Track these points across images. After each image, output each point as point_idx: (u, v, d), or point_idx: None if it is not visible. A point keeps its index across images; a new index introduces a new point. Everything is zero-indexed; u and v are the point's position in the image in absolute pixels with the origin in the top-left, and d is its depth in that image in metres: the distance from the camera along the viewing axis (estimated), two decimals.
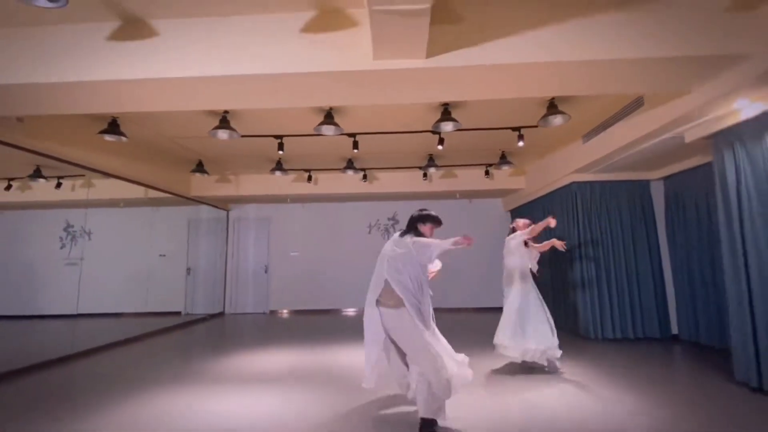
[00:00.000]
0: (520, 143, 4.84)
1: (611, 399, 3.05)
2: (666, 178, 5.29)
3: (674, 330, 5.14)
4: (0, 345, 5.03)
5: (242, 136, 4.92)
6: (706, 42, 2.56)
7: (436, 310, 2.88)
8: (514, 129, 4.84)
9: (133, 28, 2.68)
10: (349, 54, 2.53)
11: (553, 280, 6.14)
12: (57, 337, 5.85)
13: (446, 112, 4.09)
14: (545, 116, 4.00)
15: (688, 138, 3.66)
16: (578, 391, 3.23)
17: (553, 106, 3.97)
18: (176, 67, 2.65)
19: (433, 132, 4.90)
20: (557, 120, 4.00)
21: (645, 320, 5.13)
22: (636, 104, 3.71)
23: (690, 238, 4.86)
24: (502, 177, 7.09)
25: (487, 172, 6.71)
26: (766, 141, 3.06)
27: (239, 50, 2.64)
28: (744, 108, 3.06)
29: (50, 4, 2.10)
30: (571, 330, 5.62)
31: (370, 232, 8.66)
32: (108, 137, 4.31)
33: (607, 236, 5.32)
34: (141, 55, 2.67)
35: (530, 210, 7.15)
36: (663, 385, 3.36)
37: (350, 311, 8.29)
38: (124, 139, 4.34)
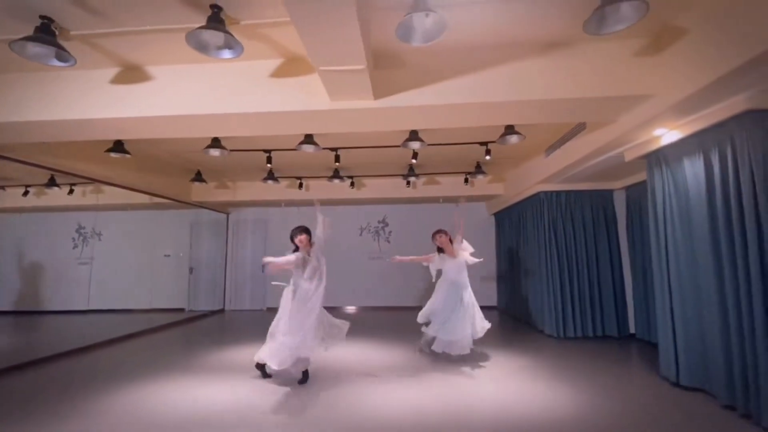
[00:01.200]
0: (487, 157, 5.28)
1: (539, 391, 3.49)
2: (627, 188, 5.68)
3: (632, 329, 5.55)
4: (17, 338, 5.65)
5: (233, 151, 5.44)
6: (619, 83, 2.99)
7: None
8: (481, 144, 5.27)
9: (131, 73, 3.18)
10: (311, 96, 3.01)
11: (521, 282, 6.57)
12: (71, 331, 6.45)
13: (413, 131, 4.54)
14: (503, 135, 4.44)
15: (628, 157, 4.08)
16: (506, 385, 3.69)
17: (510, 126, 4.40)
18: (168, 107, 3.15)
19: (403, 146, 5.36)
20: (513, 139, 4.44)
21: (605, 320, 5.56)
22: (579, 128, 4.13)
23: (647, 244, 5.25)
24: (482, 184, 7.51)
25: (466, 180, 7.13)
26: (684, 164, 3.47)
27: (221, 91, 3.13)
28: (664, 134, 3.48)
29: (62, 64, 2.59)
30: (537, 329, 6.06)
31: (361, 234, 9.14)
32: (114, 155, 4.84)
33: (571, 241, 5.73)
34: (137, 96, 3.17)
35: (509, 214, 7.58)
36: (596, 378, 3.79)
37: (350, 308, 8.80)
38: (127, 156, 4.86)
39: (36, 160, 4.69)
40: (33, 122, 3.26)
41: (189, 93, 3.14)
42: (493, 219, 8.92)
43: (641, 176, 5.28)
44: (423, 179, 7.45)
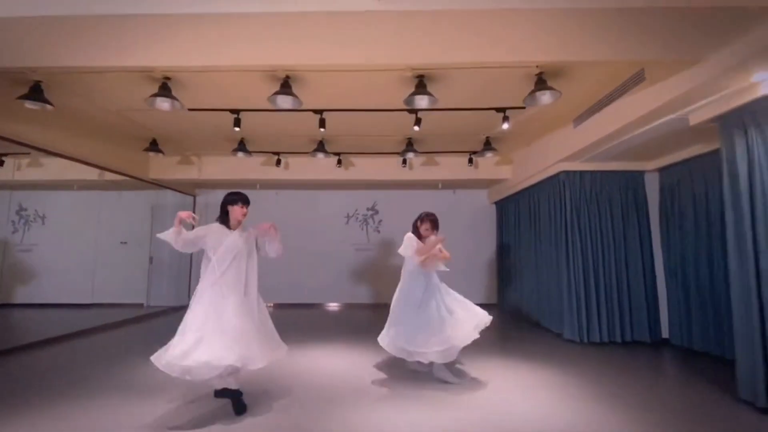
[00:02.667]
0: (505, 125, 4.35)
1: (596, 411, 2.63)
2: (662, 169, 4.86)
3: (664, 334, 4.75)
4: None
5: (190, 110, 4.36)
6: None
7: None
8: (498, 110, 4.35)
9: None
10: None
11: (530, 278, 5.71)
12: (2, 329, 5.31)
13: (421, 84, 3.56)
14: (532, 92, 3.51)
15: (693, 120, 3.21)
16: (560, 402, 2.80)
17: (541, 81, 3.48)
18: None
19: (409, 111, 4.39)
20: (545, 97, 3.51)
21: (634, 323, 4.74)
22: (636, 79, 3.23)
23: (686, 236, 4.46)
24: (487, 166, 6.61)
25: (470, 160, 6.22)
26: None
27: None
28: (765, 81, 2.60)
29: None
30: (552, 332, 5.21)
31: (348, 223, 8.15)
32: (30, 104, 3.69)
33: (596, 232, 4.89)
34: None
35: (517, 202, 6.71)
36: (655, 397, 2.94)
37: (332, 305, 7.82)
38: (49, 107, 3.73)
39: None
40: None
41: None
42: (494, 208, 8.05)
43: (680, 155, 4.49)
44: (421, 159, 6.50)
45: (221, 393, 2.86)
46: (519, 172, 6.25)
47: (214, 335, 2.55)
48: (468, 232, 7.87)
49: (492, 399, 2.96)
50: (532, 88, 3.57)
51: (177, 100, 3.64)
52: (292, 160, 6.64)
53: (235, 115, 4.42)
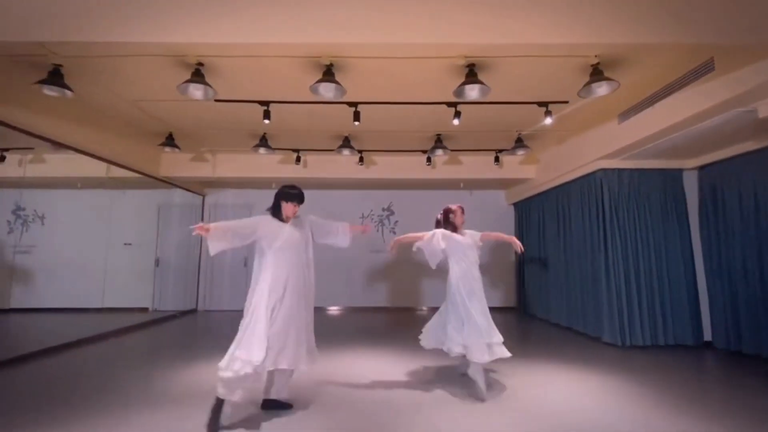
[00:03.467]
0: (548, 120, 4.17)
1: (662, 416, 2.45)
2: (702, 168, 4.74)
3: (707, 337, 4.60)
4: None
5: (220, 101, 4.11)
6: None
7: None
8: (540, 104, 4.18)
9: None
10: None
11: (571, 280, 5.54)
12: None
13: (471, 73, 3.37)
14: (588, 84, 3.34)
15: (763, 112, 3.07)
16: (623, 407, 2.61)
17: (598, 72, 3.31)
18: None
19: (449, 104, 4.21)
20: (602, 89, 3.34)
21: (676, 326, 4.58)
22: (704, 69, 3.08)
23: (730, 235, 4.33)
24: (511, 165, 6.45)
25: (497, 159, 6.05)
26: None
27: None
28: None
29: None
30: (587, 335, 5.04)
31: (362, 223, 7.90)
32: (48, 90, 3.41)
33: (634, 231, 4.73)
34: None
35: (541, 202, 6.55)
36: (719, 404, 2.77)
37: (344, 308, 7.56)
38: (68, 93, 3.44)
39: None
40: None
41: None
42: (512, 210, 7.89)
43: (723, 152, 4.37)
44: (444, 158, 6.31)
45: (270, 403, 2.63)
46: (546, 172, 6.09)
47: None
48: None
49: (548, 403, 2.79)
50: (586, 80, 3.42)
51: (210, 87, 3.38)
52: (311, 158, 6.40)
53: (265, 107, 4.18)
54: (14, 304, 5.66)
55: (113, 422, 2.46)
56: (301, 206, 2.81)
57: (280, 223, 2.68)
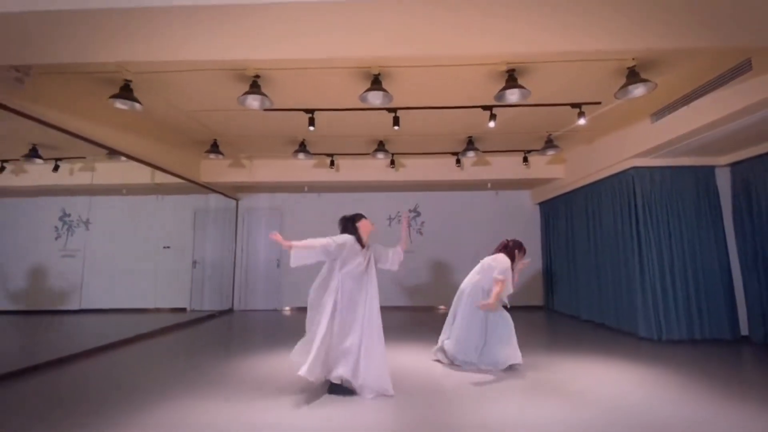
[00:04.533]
0: (581, 121, 4.32)
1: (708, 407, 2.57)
2: (733, 165, 4.81)
3: (743, 331, 4.66)
4: None
5: (268, 110, 4.37)
6: None
7: None
8: (573, 105, 4.33)
9: None
10: None
11: (603, 277, 5.63)
12: (43, 337, 5.26)
13: (512, 78, 3.56)
14: (625, 86, 3.49)
15: None
16: (672, 398, 2.73)
17: (634, 74, 3.46)
18: None
19: (484, 108, 4.39)
20: (638, 90, 3.48)
21: (712, 320, 4.65)
22: (741, 68, 3.20)
23: (764, 231, 4.39)
24: (539, 165, 6.58)
25: (525, 159, 6.19)
26: None
27: None
28: None
29: None
30: (621, 331, 5.13)
31: (390, 225, 8.12)
32: (120, 104, 3.71)
33: (667, 228, 4.83)
34: None
35: (568, 201, 6.66)
36: (759, 395, 2.86)
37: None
38: (138, 106, 3.75)
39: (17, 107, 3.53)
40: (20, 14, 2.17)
41: None
42: (537, 210, 8.00)
43: (756, 149, 4.45)
44: (472, 159, 6.48)
45: (336, 388, 2.84)
46: (574, 171, 6.21)
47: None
48: (511, 234, 7.74)
49: (596, 395, 2.90)
50: (620, 81, 3.58)
51: (267, 97, 3.64)
52: (343, 162, 6.64)
53: (310, 115, 4.43)
54: (58, 306, 6.01)
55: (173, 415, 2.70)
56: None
57: (359, 249, 2.91)
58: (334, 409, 2.64)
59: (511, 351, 3.49)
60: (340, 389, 2.86)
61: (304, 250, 2.75)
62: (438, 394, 2.96)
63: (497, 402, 2.77)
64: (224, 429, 2.34)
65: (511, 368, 3.50)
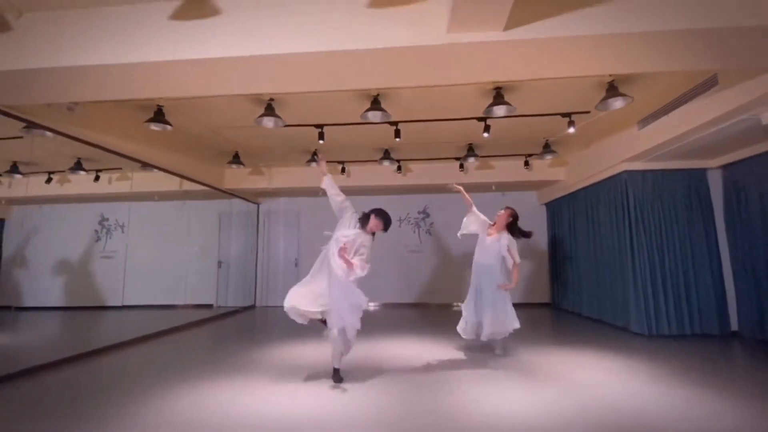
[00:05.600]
0: (571, 129, 4.62)
1: (687, 398, 2.86)
2: (725, 167, 5.00)
3: (733, 327, 4.86)
4: (43, 335, 5.13)
5: (284, 126, 4.86)
6: None
7: None
8: (563, 115, 4.63)
9: (195, 6, 2.61)
10: (420, 28, 2.40)
11: (601, 275, 5.90)
12: (94, 329, 5.94)
13: (499, 95, 3.92)
14: (604, 99, 3.79)
15: (766, 120, 3.41)
16: (653, 389, 3.05)
17: (613, 88, 3.76)
18: (237, 46, 2.57)
19: (479, 119, 4.75)
20: (617, 103, 3.79)
21: (702, 316, 4.87)
22: (708, 84, 3.46)
23: (754, 230, 4.58)
24: (541, 168, 6.86)
25: (526, 163, 6.49)
26: None
27: (303, 26, 2.54)
28: None
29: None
30: (616, 326, 5.39)
31: (400, 226, 8.53)
32: (154, 126, 4.28)
33: (660, 227, 5.06)
34: (202, 34, 2.59)
35: (571, 202, 6.91)
36: (747, 387, 3.12)
37: (386, 304, 8.20)
38: (169, 128, 4.31)
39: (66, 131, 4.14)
40: (62, 69, 2.70)
41: (264, 28, 2.56)
42: (544, 209, 8.25)
43: (745, 152, 4.63)
44: (476, 163, 6.81)
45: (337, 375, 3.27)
46: (575, 174, 6.47)
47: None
48: None
49: (581, 383, 3.20)
50: (602, 94, 3.88)
51: (280, 118, 4.13)
52: (354, 168, 7.09)
53: (320, 130, 4.90)
54: (98, 303, 6.68)
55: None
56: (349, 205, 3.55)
57: (359, 229, 3.41)
58: (351, 396, 3.09)
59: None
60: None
61: (330, 183, 3.65)
62: (438, 383, 3.29)
63: (492, 392, 3.06)
64: (239, 409, 2.83)
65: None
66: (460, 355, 4.17)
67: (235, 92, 3.21)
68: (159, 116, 4.25)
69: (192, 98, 4.11)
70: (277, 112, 4.21)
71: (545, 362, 3.82)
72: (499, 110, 3.95)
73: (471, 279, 4.23)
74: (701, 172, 5.14)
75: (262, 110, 4.12)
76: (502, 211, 4.20)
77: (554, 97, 4.24)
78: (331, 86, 3.09)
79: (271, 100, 4.10)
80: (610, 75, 3.68)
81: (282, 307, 3.25)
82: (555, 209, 7.71)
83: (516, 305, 4.10)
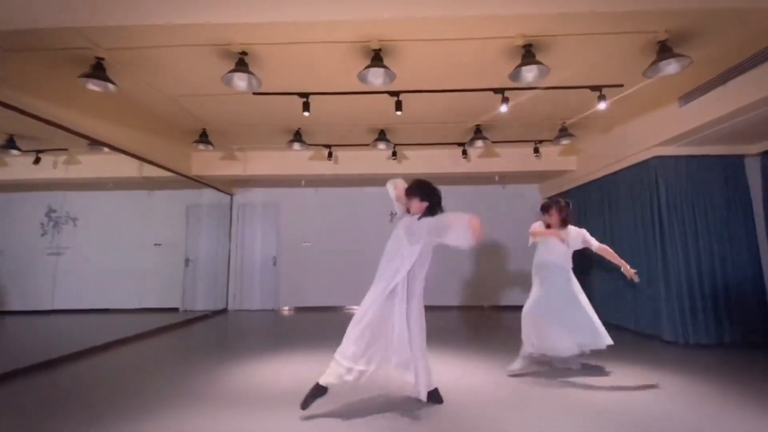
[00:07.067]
0: (602, 105, 3.93)
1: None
2: (765, 154, 4.43)
3: None
4: None
5: (258, 94, 3.99)
6: None
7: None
8: (593, 88, 3.94)
9: None
10: None
11: (620, 276, 5.24)
12: (32, 339, 4.92)
13: (529, 54, 3.17)
14: (655, 62, 3.10)
15: None
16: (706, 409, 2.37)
17: (666, 49, 3.07)
18: None
19: (496, 91, 4.01)
20: (671, 67, 3.11)
21: (742, 322, 4.28)
22: None
23: None
24: (551, 157, 6.19)
25: (536, 150, 5.81)
26: None
27: None
28: None
29: None
30: (643, 333, 4.76)
31: (391, 220, 7.74)
32: (92, 85, 3.33)
33: (693, 223, 4.45)
34: None
35: (581, 194, 6.27)
36: None
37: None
38: (111, 87, 3.36)
39: None
40: None
41: None
42: None
43: None
44: (479, 151, 6.10)
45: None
46: (589, 162, 5.82)
47: None
48: (519, 228, 7.41)
49: (619, 405, 2.58)
50: (647, 60, 3.21)
51: (255, 76, 3.26)
52: (342, 154, 6.26)
53: (305, 99, 4.05)
54: (45, 306, 5.67)
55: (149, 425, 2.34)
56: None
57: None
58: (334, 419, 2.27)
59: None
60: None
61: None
62: (458, 404, 2.60)
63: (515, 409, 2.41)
64: None
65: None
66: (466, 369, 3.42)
67: (194, 20, 2.34)
68: (98, 71, 3.30)
69: (138, 48, 3.20)
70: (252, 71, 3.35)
71: (571, 378, 3.16)
72: (530, 72, 3.20)
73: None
74: (739, 160, 4.56)
75: (231, 67, 3.23)
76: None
77: (587, 64, 3.54)
78: (324, 11, 2.26)
79: (244, 53, 3.23)
80: (666, 31, 3.01)
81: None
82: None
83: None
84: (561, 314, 3.22)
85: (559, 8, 2.59)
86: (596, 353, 3.33)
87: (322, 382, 2.37)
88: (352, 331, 2.43)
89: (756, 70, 3.15)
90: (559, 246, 3.39)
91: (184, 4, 2.43)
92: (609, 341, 3.18)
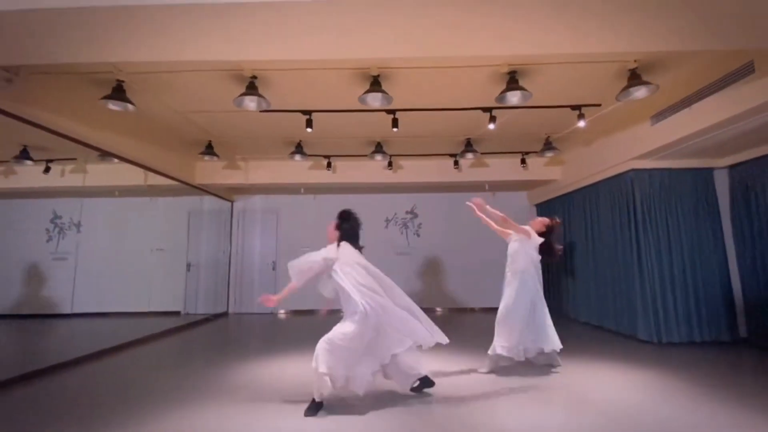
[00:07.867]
0: (581, 123, 4.29)
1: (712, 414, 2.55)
2: (732, 167, 4.81)
3: (742, 333, 4.66)
4: None
5: (265, 111, 4.28)
6: None
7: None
8: (573, 107, 4.30)
9: None
10: None
11: (600, 279, 5.62)
12: (35, 343, 5.12)
13: (513, 80, 3.52)
14: (626, 88, 3.47)
15: None
16: (674, 403, 2.71)
17: (635, 76, 3.43)
18: None
19: (484, 110, 4.35)
20: (640, 92, 3.48)
21: (712, 323, 4.64)
22: (744, 71, 3.18)
23: (763, 234, 4.39)
24: (537, 167, 6.56)
25: (523, 161, 6.17)
26: None
27: None
28: None
29: None
30: (621, 333, 5.11)
31: (387, 227, 8.06)
32: (112, 105, 3.62)
33: (666, 231, 4.81)
34: None
35: (565, 203, 6.64)
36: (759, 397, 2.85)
37: None
38: (130, 107, 3.65)
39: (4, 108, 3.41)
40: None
41: None
42: (534, 211, 7.98)
43: (755, 151, 4.45)
44: (470, 161, 6.44)
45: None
46: (572, 173, 6.19)
47: None
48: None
49: (598, 399, 2.89)
50: (620, 83, 3.56)
51: (264, 98, 3.56)
52: (340, 164, 6.56)
53: (308, 116, 4.35)
54: (49, 310, 5.85)
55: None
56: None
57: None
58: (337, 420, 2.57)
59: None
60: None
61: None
62: (445, 400, 2.91)
63: (501, 413, 2.72)
64: None
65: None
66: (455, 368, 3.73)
67: (212, 57, 2.63)
68: (119, 93, 3.59)
69: (157, 73, 3.50)
70: (261, 92, 3.64)
71: (552, 376, 3.48)
72: (514, 97, 3.55)
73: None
74: (708, 172, 4.94)
75: (241, 90, 3.53)
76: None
77: (566, 87, 3.90)
78: (329, 51, 2.56)
79: (254, 78, 3.53)
80: (635, 60, 3.37)
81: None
82: (547, 210, 7.43)
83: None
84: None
85: (537, 51, 2.90)
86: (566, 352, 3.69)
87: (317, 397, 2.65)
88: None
89: (717, 95, 3.52)
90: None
91: (203, 44, 2.70)
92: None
